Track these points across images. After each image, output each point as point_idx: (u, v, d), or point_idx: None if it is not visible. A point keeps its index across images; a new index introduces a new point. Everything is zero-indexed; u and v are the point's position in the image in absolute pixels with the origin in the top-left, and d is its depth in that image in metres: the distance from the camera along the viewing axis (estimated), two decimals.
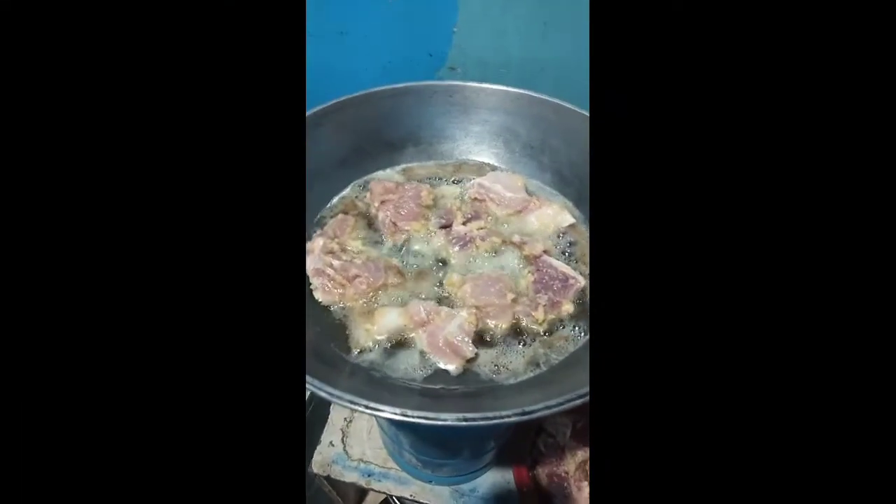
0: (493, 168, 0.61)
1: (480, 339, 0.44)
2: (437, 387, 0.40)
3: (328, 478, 0.83)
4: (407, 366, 0.42)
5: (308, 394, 1.01)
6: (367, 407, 0.31)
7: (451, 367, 0.41)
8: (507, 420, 0.30)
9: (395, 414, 0.30)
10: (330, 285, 0.46)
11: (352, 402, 0.31)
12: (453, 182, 0.59)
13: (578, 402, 0.31)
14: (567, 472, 0.76)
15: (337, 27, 0.65)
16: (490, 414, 0.30)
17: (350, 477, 0.82)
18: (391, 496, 1.05)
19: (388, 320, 0.44)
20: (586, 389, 0.31)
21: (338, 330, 0.44)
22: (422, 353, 0.43)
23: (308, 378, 0.31)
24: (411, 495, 0.80)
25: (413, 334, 0.43)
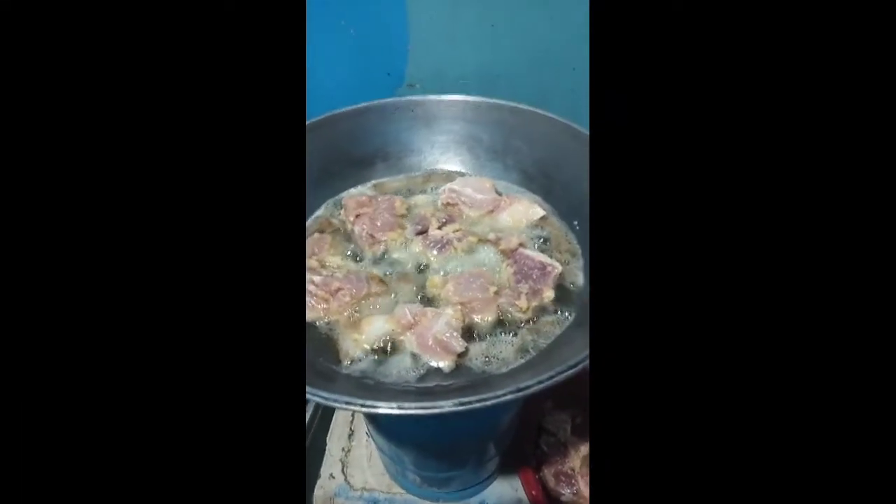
0: (462, 174, 0.63)
1: (469, 334, 0.44)
2: (432, 384, 0.40)
3: None
4: (399, 369, 0.42)
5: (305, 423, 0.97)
6: (363, 405, 0.30)
7: (443, 364, 0.41)
8: (502, 399, 0.31)
9: (392, 408, 0.30)
10: (313, 301, 0.46)
11: (348, 403, 0.31)
12: (425, 192, 0.61)
13: (569, 372, 0.32)
14: (573, 469, 0.76)
15: None
16: (485, 395, 0.30)
17: None
18: None
19: (376, 327, 0.44)
20: (575, 360, 0.32)
21: (325, 344, 0.44)
22: (413, 354, 0.43)
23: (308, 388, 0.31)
24: None
25: (402, 338, 0.44)
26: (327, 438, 0.88)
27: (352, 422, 0.90)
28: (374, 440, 0.74)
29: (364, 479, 0.82)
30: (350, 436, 0.88)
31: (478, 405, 0.30)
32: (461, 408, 0.30)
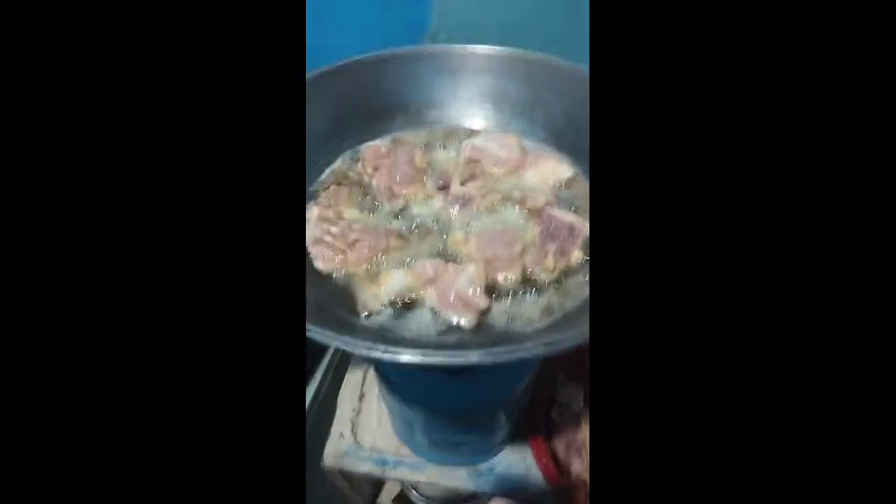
0: (486, 130, 0.60)
1: (491, 292, 0.43)
2: (453, 339, 0.39)
3: (341, 470, 0.81)
4: (419, 324, 0.40)
5: (312, 390, 0.98)
6: (385, 352, 0.29)
7: (465, 320, 0.40)
8: (532, 352, 0.29)
9: (416, 356, 0.29)
10: (330, 252, 0.44)
11: (370, 349, 0.29)
12: (446, 147, 0.58)
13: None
14: (583, 440, 0.76)
15: (313, 9, 0.63)
16: (514, 347, 0.29)
17: (364, 467, 0.80)
18: (405, 486, 1.03)
19: (395, 281, 0.42)
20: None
21: (343, 295, 0.43)
22: (433, 310, 0.41)
23: (320, 329, 0.29)
24: (427, 479, 0.78)
25: (422, 293, 0.42)
26: (338, 398, 0.88)
27: (363, 383, 0.90)
28: (385, 401, 0.74)
29: (373, 439, 0.82)
30: (361, 397, 0.88)
31: (506, 357, 0.29)
32: (488, 359, 0.28)
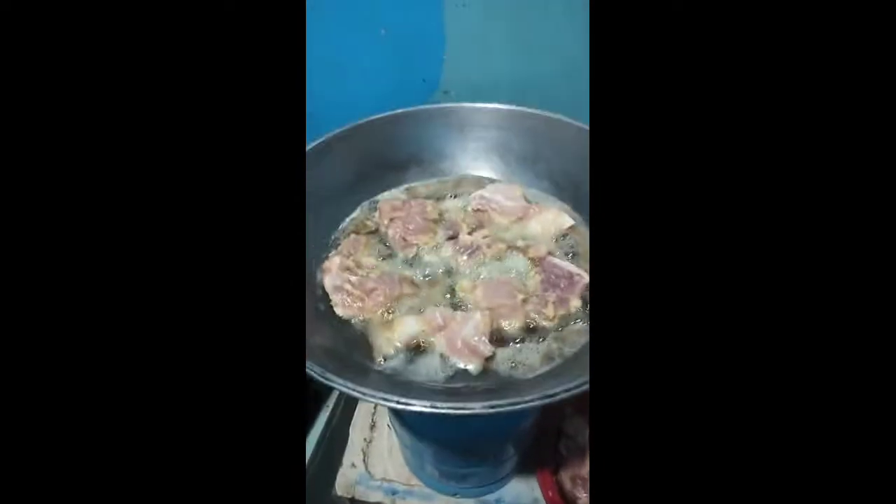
0: (492, 181, 0.64)
1: (496, 338, 0.46)
2: (460, 385, 0.42)
3: (352, 499, 0.83)
4: (429, 369, 0.44)
5: (323, 420, 1.01)
6: (398, 402, 0.33)
7: (471, 366, 0.43)
8: (531, 404, 0.32)
9: (426, 407, 0.32)
10: (349, 300, 0.48)
11: (384, 399, 0.33)
12: (455, 196, 0.63)
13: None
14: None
15: (335, 60, 0.69)
16: (515, 399, 0.32)
17: (374, 497, 0.82)
18: None
19: (407, 327, 0.46)
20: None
21: (360, 341, 0.47)
22: (442, 355, 0.45)
23: (339, 380, 0.33)
24: None
25: (432, 339, 0.46)
26: (350, 428, 0.91)
27: (374, 413, 0.93)
28: (395, 433, 0.77)
29: (384, 469, 0.85)
30: (372, 427, 0.91)
31: (507, 409, 0.32)
32: (491, 410, 0.32)
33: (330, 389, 1.11)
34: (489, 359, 0.44)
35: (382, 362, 0.45)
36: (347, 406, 1.07)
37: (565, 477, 0.77)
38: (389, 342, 0.46)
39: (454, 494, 0.80)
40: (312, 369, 0.34)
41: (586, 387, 0.33)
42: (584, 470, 0.78)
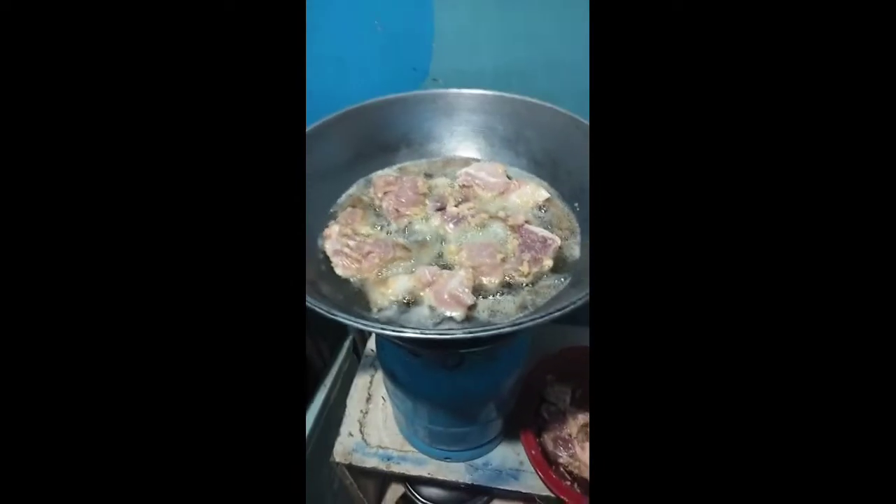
0: (477, 160, 0.70)
1: (478, 292, 0.52)
2: (446, 328, 0.48)
3: (349, 465, 0.89)
4: (419, 317, 0.50)
5: (322, 396, 1.06)
6: (394, 330, 0.38)
7: (456, 314, 0.49)
8: (503, 330, 0.38)
9: (416, 333, 0.38)
10: (348, 261, 0.54)
11: (382, 327, 0.39)
12: (444, 175, 0.69)
13: (556, 314, 0.39)
14: (570, 435, 0.83)
15: (334, 54, 0.75)
16: (489, 326, 0.38)
17: (370, 462, 0.87)
18: (408, 489, 1.10)
19: (400, 284, 0.52)
20: (561, 305, 0.39)
21: (358, 296, 0.52)
22: (430, 307, 0.51)
23: (345, 315, 0.39)
24: (429, 474, 0.86)
25: (422, 293, 0.52)
26: (347, 401, 0.97)
27: (370, 386, 0.99)
28: (390, 398, 0.82)
29: (379, 437, 0.90)
30: (368, 399, 0.97)
31: (482, 334, 0.38)
32: (469, 335, 0.38)
33: (328, 367, 1.17)
34: (471, 307, 0.50)
35: (378, 312, 0.51)
36: (344, 385, 1.12)
37: (547, 438, 0.84)
38: (384, 296, 0.52)
39: (445, 458, 0.86)
40: (320, 307, 0.39)
41: (549, 317, 0.39)
42: (565, 431, 0.84)
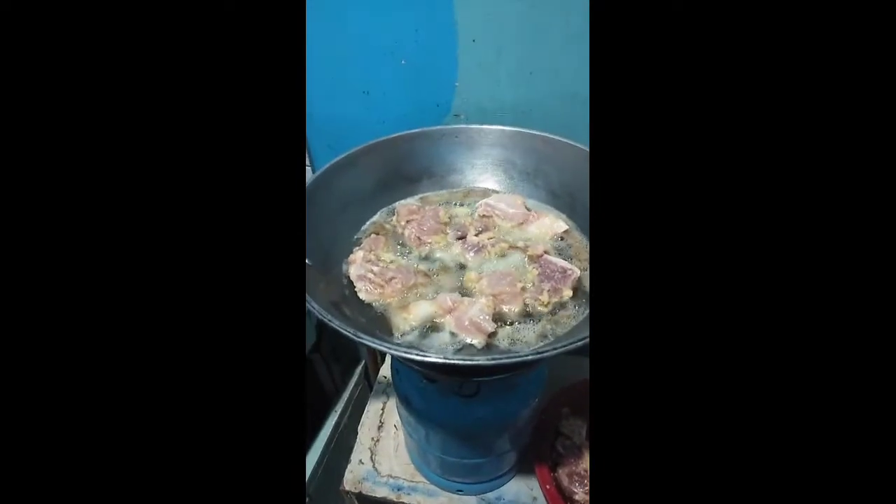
0: (497, 192, 0.73)
1: (498, 320, 0.53)
2: (467, 355, 0.49)
3: (359, 494, 0.87)
4: (440, 343, 0.51)
5: (333, 422, 1.06)
6: (416, 354, 0.39)
7: (476, 341, 0.50)
8: (525, 359, 0.39)
9: (439, 359, 0.39)
10: (371, 287, 0.56)
11: (406, 351, 0.40)
12: (464, 205, 0.71)
13: (579, 343, 0.40)
14: (586, 470, 0.81)
15: (361, 87, 0.79)
16: (511, 353, 0.39)
17: (381, 492, 0.86)
18: None
19: (421, 310, 0.53)
20: (579, 337, 0.40)
21: (380, 321, 0.54)
22: (451, 333, 0.52)
23: (370, 338, 0.40)
24: None
25: (442, 319, 0.53)
26: (359, 428, 0.96)
27: (382, 414, 0.98)
28: (403, 424, 0.82)
29: (390, 466, 0.89)
30: (380, 427, 0.96)
31: (505, 361, 0.39)
32: (492, 362, 0.38)
33: (339, 394, 1.16)
34: (491, 335, 0.51)
35: (400, 337, 0.52)
36: (355, 411, 1.12)
37: (563, 473, 0.82)
38: (406, 321, 0.53)
39: (457, 491, 0.84)
40: (346, 329, 0.40)
41: (568, 347, 0.40)
42: (581, 467, 0.82)
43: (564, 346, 0.40)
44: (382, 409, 0.99)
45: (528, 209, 0.68)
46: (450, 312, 0.52)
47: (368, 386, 1.10)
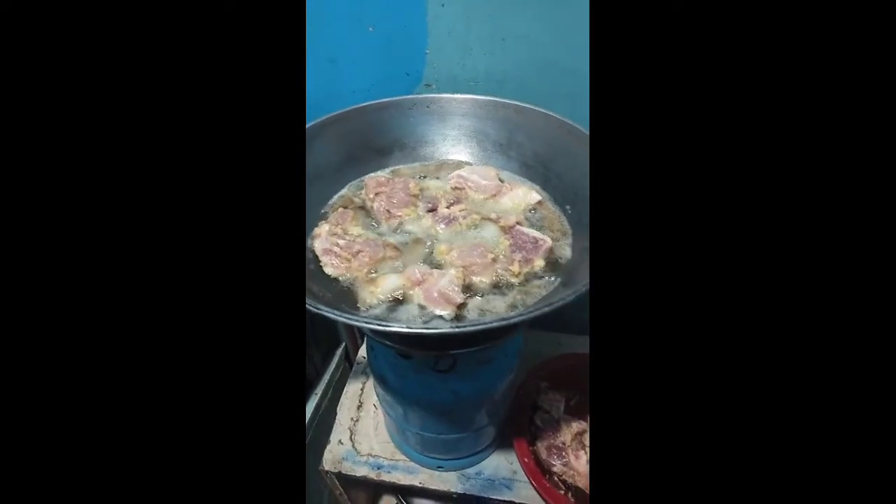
0: (469, 164, 0.71)
1: (468, 291, 0.52)
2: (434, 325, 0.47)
3: (339, 474, 0.87)
4: (408, 315, 0.49)
5: (313, 404, 1.05)
6: (379, 324, 0.38)
7: (445, 312, 0.49)
8: (489, 326, 0.38)
9: (402, 328, 0.38)
10: (337, 261, 0.54)
11: (368, 323, 0.38)
12: (438, 178, 0.69)
13: (546, 309, 0.39)
14: (564, 443, 0.82)
15: (328, 55, 0.76)
16: (477, 321, 0.38)
17: (361, 471, 0.86)
18: (400, 501, 1.08)
19: (389, 283, 0.51)
20: (548, 302, 0.39)
21: (347, 294, 0.52)
22: (420, 305, 0.50)
23: (329, 310, 0.39)
24: (420, 483, 0.84)
25: (411, 292, 0.51)
26: (338, 409, 0.95)
27: (361, 394, 0.97)
28: (381, 403, 0.81)
29: (370, 446, 0.89)
30: (359, 407, 0.95)
31: (470, 329, 0.37)
32: (456, 330, 0.37)
33: (319, 376, 1.15)
34: (461, 306, 0.49)
35: (367, 310, 0.50)
36: (335, 393, 1.10)
37: (541, 447, 0.82)
38: (373, 295, 0.51)
39: (437, 468, 0.84)
40: (309, 304, 0.38)
41: (534, 314, 0.38)
42: (559, 440, 0.82)
43: (530, 312, 0.39)
44: (362, 390, 0.99)
45: (502, 181, 0.66)
46: (418, 285, 0.51)
47: (349, 368, 1.08)
